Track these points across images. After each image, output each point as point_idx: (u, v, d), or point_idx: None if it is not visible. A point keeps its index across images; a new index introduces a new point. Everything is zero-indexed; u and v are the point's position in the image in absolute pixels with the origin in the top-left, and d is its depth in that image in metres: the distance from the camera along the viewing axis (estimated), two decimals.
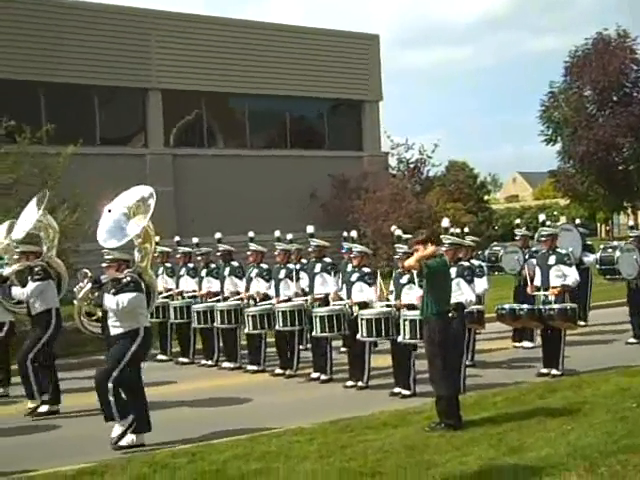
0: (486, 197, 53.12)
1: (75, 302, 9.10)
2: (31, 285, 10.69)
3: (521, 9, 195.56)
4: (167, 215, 26.85)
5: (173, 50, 28.26)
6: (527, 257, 14.77)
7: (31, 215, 11.01)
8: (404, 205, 29.28)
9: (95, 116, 27.91)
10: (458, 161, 49.76)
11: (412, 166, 34.70)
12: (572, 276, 11.83)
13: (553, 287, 11.72)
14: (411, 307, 10.53)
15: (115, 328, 8.83)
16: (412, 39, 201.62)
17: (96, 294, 8.87)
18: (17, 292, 10.92)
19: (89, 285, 8.89)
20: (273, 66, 30.22)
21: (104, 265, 9.09)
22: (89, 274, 9.02)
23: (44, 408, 10.71)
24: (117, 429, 8.81)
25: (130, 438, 8.70)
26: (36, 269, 10.78)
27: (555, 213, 13.22)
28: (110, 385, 8.75)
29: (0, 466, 7.97)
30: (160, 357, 15.23)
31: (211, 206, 27.48)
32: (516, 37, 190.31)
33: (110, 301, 8.68)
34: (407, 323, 10.37)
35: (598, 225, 53.18)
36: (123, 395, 8.89)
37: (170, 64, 28.26)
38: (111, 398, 8.76)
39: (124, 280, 8.73)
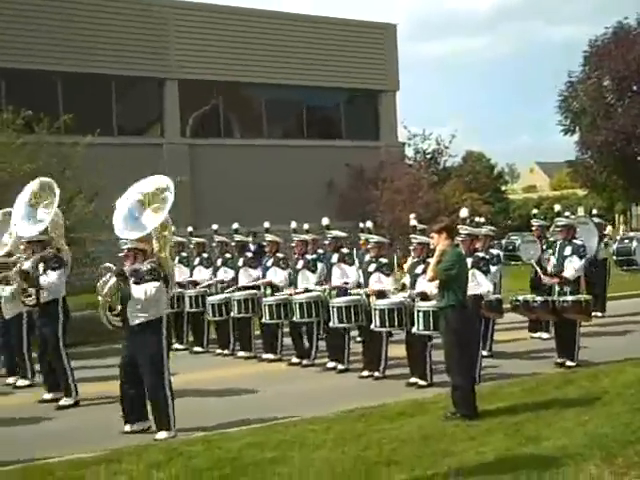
0: (503, 187, 53.05)
1: (100, 298, 9.00)
2: (53, 274, 10.65)
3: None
4: (183, 205, 26.93)
5: (190, 40, 28.27)
6: (544, 247, 14.71)
7: (51, 209, 10.97)
8: (421, 195, 29.22)
9: (112, 106, 27.98)
10: (475, 152, 49.71)
11: (429, 156, 34.63)
12: (572, 268, 11.66)
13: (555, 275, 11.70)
14: (425, 297, 10.50)
15: (137, 318, 8.75)
16: (429, 29, 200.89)
17: (122, 286, 8.79)
18: (46, 282, 10.72)
19: (113, 279, 8.81)
20: (290, 56, 30.18)
21: (122, 255, 9.08)
22: (113, 268, 8.96)
23: (48, 395, 10.82)
24: (163, 435, 8.69)
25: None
26: (50, 257, 10.80)
27: (572, 206, 13.05)
28: (168, 392, 8.73)
29: (15, 454, 8.00)
30: (176, 346, 15.26)
31: (227, 196, 27.50)
32: (533, 26, 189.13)
33: (137, 291, 8.66)
34: (421, 314, 10.33)
35: (616, 216, 52.86)
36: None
37: (187, 54, 28.28)
38: (170, 404, 8.72)
39: (144, 269, 8.71)
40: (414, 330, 10.56)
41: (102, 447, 7.94)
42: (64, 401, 10.59)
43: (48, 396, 10.84)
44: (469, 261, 10.53)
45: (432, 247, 9.23)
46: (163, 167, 27.59)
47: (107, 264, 9.18)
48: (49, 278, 10.60)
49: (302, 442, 7.77)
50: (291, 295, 12.90)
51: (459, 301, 8.61)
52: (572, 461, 6.61)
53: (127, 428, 8.92)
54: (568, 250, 12.00)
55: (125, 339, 9.04)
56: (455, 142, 41.38)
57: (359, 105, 33.40)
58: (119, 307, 8.96)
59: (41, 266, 10.70)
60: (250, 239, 14.80)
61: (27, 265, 10.65)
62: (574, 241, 12.12)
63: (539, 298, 12.06)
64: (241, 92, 30.70)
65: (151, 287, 8.65)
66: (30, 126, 18.53)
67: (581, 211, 17.63)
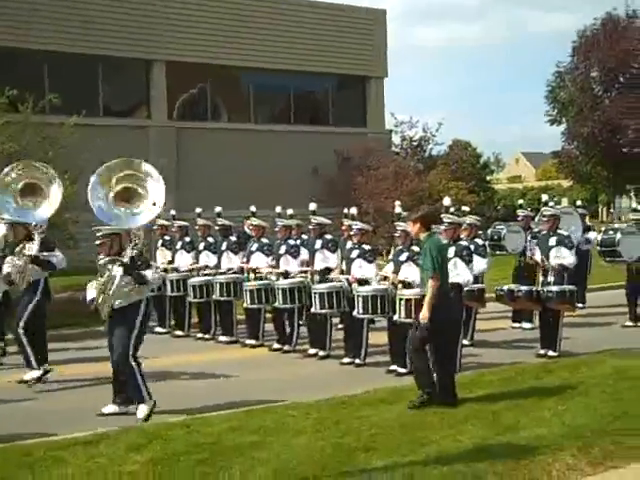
0: (488, 177, 53.10)
1: (103, 295, 8.89)
2: (59, 253, 10.95)
3: None
4: (168, 188, 26.80)
5: (178, 22, 28.12)
6: (529, 238, 14.76)
7: (55, 198, 10.96)
8: (406, 183, 29.22)
9: (98, 87, 27.83)
10: (462, 140, 49.68)
11: (415, 144, 34.63)
12: (569, 258, 11.80)
13: (552, 267, 11.71)
14: (407, 285, 10.51)
15: (122, 301, 8.82)
16: (420, 16, 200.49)
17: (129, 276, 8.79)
18: (58, 261, 10.99)
19: (120, 271, 8.75)
20: (279, 40, 30.07)
21: (97, 242, 9.07)
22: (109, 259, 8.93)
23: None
24: (142, 408, 8.72)
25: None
26: (45, 239, 10.91)
27: (555, 198, 13.10)
28: (133, 364, 8.75)
29: None
30: (158, 330, 15.26)
31: (213, 180, 27.42)
32: (526, 15, 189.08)
33: (152, 276, 8.80)
34: (403, 302, 10.35)
35: (600, 207, 53.11)
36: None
37: (175, 36, 28.13)
38: (139, 377, 8.74)
39: (135, 255, 8.72)
40: (395, 318, 10.58)
41: (84, 429, 7.92)
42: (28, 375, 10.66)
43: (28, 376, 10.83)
44: (452, 250, 10.56)
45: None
46: (149, 149, 27.69)
47: (103, 261, 9.08)
48: (59, 258, 10.93)
49: (282, 427, 7.79)
50: (272, 275, 12.90)
51: (441, 289, 8.59)
52: (549, 450, 6.67)
53: (107, 409, 8.91)
54: (553, 241, 12.06)
55: (108, 321, 9.03)
56: (442, 130, 41.36)
57: (347, 91, 33.35)
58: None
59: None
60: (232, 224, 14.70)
61: (34, 248, 10.71)
62: (559, 232, 12.17)
63: (523, 288, 12.11)
64: (229, 76, 30.56)
65: (151, 272, 8.82)
66: (15, 105, 18.37)
67: (565, 202, 17.69)
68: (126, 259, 8.74)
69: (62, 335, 14.22)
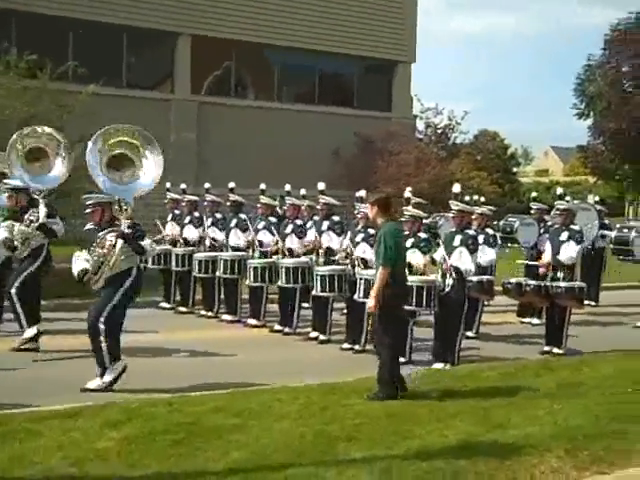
0: (515, 169, 52.50)
1: (109, 264, 8.75)
2: (59, 221, 10.98)
3: None
4: (189, 162, 26.73)
5: None
6: (542, 231, 14.48)
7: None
8: (428, 170, 28.84)
9: (123, 57, 27.66)
10: (490, 130, 49.11)
11: (440, 131, 34.21)
12: (570, 253, 11.42)
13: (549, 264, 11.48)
14: (411, 272, 10.28)
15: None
16: (456, 3, 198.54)
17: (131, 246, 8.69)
18: (59, 229, 11.07)
19: (120, 242, 8.60)
20: (307, 19, 29.72)
21: (87, 211, 8.93)
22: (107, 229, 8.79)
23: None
24: (108, 375, 8.69)
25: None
26: (47, 206, 10.88)
27: (566, 198, 12.74)
28: (102, 327, 8.61)
29: None
30: (163, 305, 15.15)
31: (233, 156, 27.20)
32: (561, 7, 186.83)
33: (148, 245, 8.81)
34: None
35: (626, 205, 52.33)
36: (114, 338, 8.74)
37: (202, 9, 27.84)
38: (103, 342, 8.61)
39: (130, 226, 8.60)
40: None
41: (70, 400, 7.79)
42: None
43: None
44: (458, 238, 10.32)
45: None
46: (171, 123, 27.56)
47: (89, 226, 8.98)
48: (60, 225, 11.05)
49: (266, 411, 7.59)
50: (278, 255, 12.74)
51: (393, 275, 8.26)
52: (536, 451, 6.41)
53: (91, 384, 8.78)
54: (564, 235, 11.76)
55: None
56: (470, 120, 40.93)
57: (373, 74, 32.94)
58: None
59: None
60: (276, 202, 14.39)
61: (43, 216, 10.69)
62: (571, 226, 11.87)
63: (532, 282, 11.82)
64: (255, 53, 30.23)
65: (149, 242, 8.85)
66: (33, 71, 18.24)
67: (591, 198, 17.30)
68: (125, 229, 8.59)
69: (65, 304, 14.13)
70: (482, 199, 15.57)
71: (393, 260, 8.23)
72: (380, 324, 8.41)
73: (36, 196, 11.02)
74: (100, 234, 8.82)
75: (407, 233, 10.84)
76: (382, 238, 8.27)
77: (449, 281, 10.23)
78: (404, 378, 8.45)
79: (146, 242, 8.74)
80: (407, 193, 11.46)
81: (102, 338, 8.60)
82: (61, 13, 25.46)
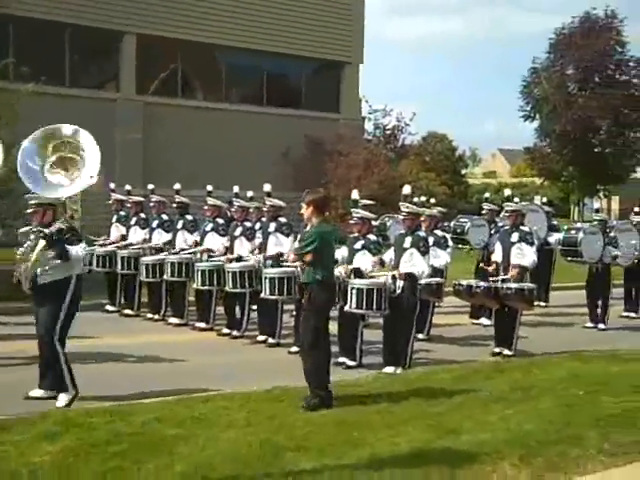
0: (463, 171, 52.86)
1: (25, 264, 8.34)
2: None
3: None
4: (134, 163, 26.26)
5: None
6: (492, 232, 14.44)
7: None
8: (376, 171, 28.73)
9: (66, 56, 27.02)
10: (438, 133, 49.38)
11: (388, 133, 34.15)
12: (530, 256, 11.46)
13: (513, 266, 11.34)
14: (359, 275, 10.09)
15: (45, 278, 8.28)
16: (402, 7, 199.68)
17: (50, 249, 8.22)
18: None
19: (42, 243, 8.19)
20: (253, 19, 29.35)
21: (29, 211, 8.55)
22: (31, 232, 8.38)
23: None
24: (62, 398, 8.22)
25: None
26: None
27: (514, 199, 12.70)
28: (58, 348, 8.17)
29: None
30: (108, 308, 14.80)
31: (180, 157, 26.76)
32: (506, 13, 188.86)
33: (76, 251, 8.18)
34: (354, 292, 9.92)
35: (572, 207, 52.94)
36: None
37: (148, 8, 27.33)
38: (63, 363, 8.17)
39: (64, 228, 8.18)
40: (346, 308, 10.15)
41: (4, 411, 7.41)
42: None
43: None
44: (408, 240, 10.16)
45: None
46: (115, 123, 27.01)
47: (24, 229, 8.62)
48: None
49: (212, 420, 7.33)
50: (227, 261, 12.46)
51: (322, 277, 8.01)
52: (489, 458, 6.23)
53: (34, 393, 8.41)
54: (515, 237, 11.71)
55: (34, 299, 8.49)
56: (419, 122, 40.96)
57: (321, 76, 32.68)
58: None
59: None
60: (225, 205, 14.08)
61: None
62: (521, 227, 11.82)
63: (482, 283, 11.74)
64: (202, 53, 29.77)
65: (80, 248, 8.20)
66: None
67: (538, 200, 17.34)
68: (48, 230, 8.19)
69: (8, 308, 13.63)
70: (432, 200, 15.46)
71: (314, 253, 7.96)
72: (306, 327, 8.14)
73: None
74: (22, 230, 8.52)
75: (356, 235, 10.69)
76: (312, 237, 8.02)
77: (400, 283, 10.04)
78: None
79: (76, 247, 8.17)
80: (354, 195, 11.27)
81: (62, 361, 8.17)
82: (2, 10, 24.77)
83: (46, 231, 8.14)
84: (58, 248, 8.09)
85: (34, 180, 8.06)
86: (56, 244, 8.10)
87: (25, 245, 8.27)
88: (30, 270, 8.14)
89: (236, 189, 13.39)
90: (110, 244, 14.59)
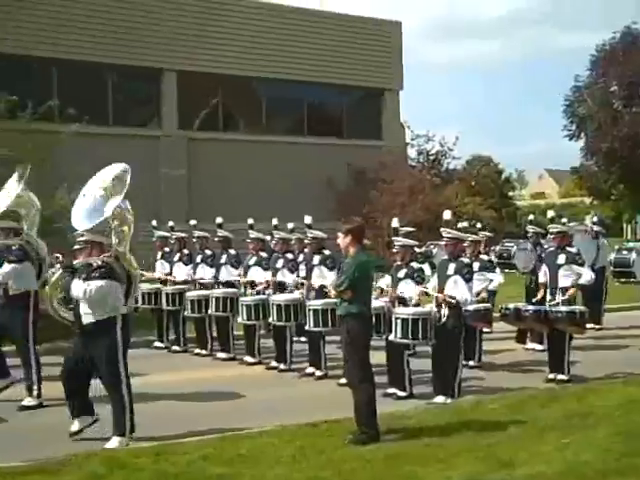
0: (510, 193, 52.27)
1: (47, 288, 8.47)
2: (7, 267, 10.08)
3: (550, 5, 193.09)
4: (179, 199, 26.42)
5: (190, 31, 27.62)
6: (540, 255, 14.13)
7: (11, 191, 10.44)
8: (421, 198, 28.55)
9: (108, 96, 27.38)
10: (483, 155, 48.94)
11: (432, 158, 33.96)
12: (586, 274, 11.18)
13: (562, 289, 11.06)
14: (403, 303, 9.92)
15: (87, 316, 8.23)
16: (438, 31, 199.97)
17: (65, 280, 8.23)
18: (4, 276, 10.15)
19: (60, 272, 8.26)
20: (292, 51, 29.52)
21: (75, 248, 8.55)
22: (60, 258, 8.43)
23: None
24: (115, 441, 8.11)
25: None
26: (14, 248, 10.22)
27: (562, 220, 12.49)
28: (125, 397, 8.18)
29: None
30: (157, 344, 14.80)
31: (224, 191, 26.86)
32: (544, 33, 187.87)
33: (77, 288, 8.09)
34: (399, 321, 9.74)
35: (624, 225, 52.04)
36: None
37: (186, 45, 27.62)
38: (126, 410, 8.15)
39: (94, 265, 8.15)
40: (391, 338, 9.97)
41: (48, 453, 7.35)
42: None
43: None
44: (452, 267, 9.97)
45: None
46: (159, 160, 27.26)
47: (56, 254, 8.66)
48: (2, 269, 10.08)
49: (258, 457, 7.20)
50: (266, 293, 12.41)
51: (358, 310, 7.90)
52: None
53: (74, 427, 8.37)
54: (562, 258, 11.43)
55: (77, 335, 8.48)
56: (463, 146, 40.70)
57: (362, 103, 32.68)
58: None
59: None
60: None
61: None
62: (568, 249, 11.54)
63: (530, 307, 11.47)
64: (242, 86, 30.00)
65: (92, 286, 8.05)
66: (14, 113, 17.97)
67: (589, 220, 16.97)
68: (75, 262, 8.22)
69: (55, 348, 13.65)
70: (479, 225, 15.25)
71: (352, 288, 7.86)
72: (350, 362, 8.01)
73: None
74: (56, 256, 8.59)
75: (399, 263, 10.52)
76: (349, 272, 7.92)
77: (444, 311, 9.84)
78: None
79: (99, 282, 8.05)
80: (394, 223, 11.11)
81: (126, 402, 8.17)
82: (45, 54, 25.21)
83: (75, 262, 8.18)
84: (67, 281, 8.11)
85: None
86: (75, 274, 8.10)
87: (49, 272, 8.31)
88: (48, 296, 8.16)
89: (275, 221, 13.33)
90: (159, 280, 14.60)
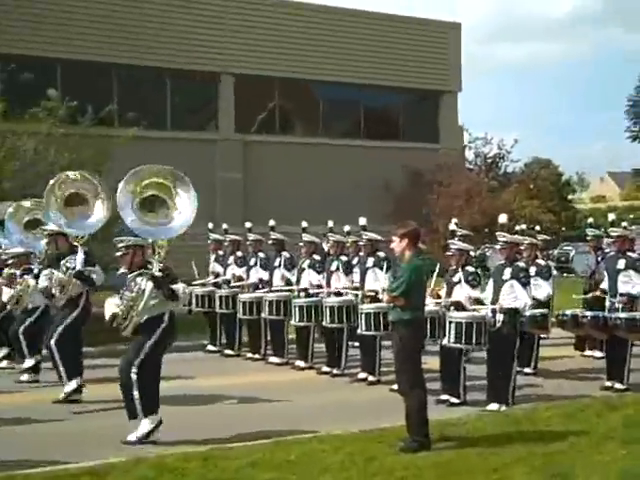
0: (570, 196, 51.43)
1: (137, 309, 8.46)
2: (99, 269, 10.59)
3: (614, 5, 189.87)
4: (235, 202, 26.55)
5: (246, 34, 27.84)
6: (599, 259, 13.80)
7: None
8: (478, 201, 28.27)
9: (167, 100, 27.69)
10: (542, 158, 48.24)
11: (490, 161, 33.62)
12: (638, 286, 10.82)
13: (621, 295, 10.76)
14: (459, 308, 9.75)
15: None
16: (500, 32, 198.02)
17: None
18: (98, 278, 10.64)
19: (150, 285, 8.29)
20: (349, 53, 29.53)
21: (119, 254, 8.59)
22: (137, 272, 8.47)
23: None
24: (143, 426, 8.27)
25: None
26: (87, 253, 10.56)
27: (623, 224, 12.14)
28: (134, 377, 8.24)
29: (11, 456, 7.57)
30: (210, 348, 14.83)
31: (280, 194, 26.93)
32: (608, 33, 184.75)
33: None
34: (453, 326, 9.58)
35: None
36: (148, 389, 8.34)
37: (243, 48, 27.83)
38: (135, 392, 8.23)
39: (161, 268, 8.24)
40: (444, 342, 9.81)
41: (92, 458, 7.36)
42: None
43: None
44: (508, 271, 9.77)
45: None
46: (216, 163, 27.46)
47: (121, 271, 8.69)
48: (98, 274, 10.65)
49: (307, 463, 7.11)
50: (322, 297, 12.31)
51: (410, 316, 7.78)
52: None
53: (130, 437, 8.38)
54: (621, 263, 11.10)
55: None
56: (522, 148, 40.22)
57: (419, 105, 32.54)
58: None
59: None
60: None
61: (80, 264, 10.42)
62: (629, 254, 11.21)
63: (589, 313, 11.18)
64: (298, 89, 30.13)
65: (181, 286, 8.33)
66: (75, 118, 18.21)
67: None
68: (157, 272, 8.25)
69: (110, 351, 13.77)
70: (537, 228, 14.99)
71: (406, 294, 7.76)
72: (402, 369, 7.89)
73: (75, 243, 10.75)
74: (129, 276, 8.52)
75: (454, 267, 10.35)
76: (403, 277, 7.82)
77: (499, 317, 9.65)
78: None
79: (178, 286, 8.33)
80: (452, 225, 10.97)
81: (135, 389, 8.20)
82: (104, 59, 25.59)
83: (156, 273, 8.18)
84: (166, 289, 8.14)
85: (129, 220, 8.16)
86: (163, 285, 8.14)
87: (135, 289, 8.30)
88: (141, 315, 8.18)
89: (330, 224, 13.25)
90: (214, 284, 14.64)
